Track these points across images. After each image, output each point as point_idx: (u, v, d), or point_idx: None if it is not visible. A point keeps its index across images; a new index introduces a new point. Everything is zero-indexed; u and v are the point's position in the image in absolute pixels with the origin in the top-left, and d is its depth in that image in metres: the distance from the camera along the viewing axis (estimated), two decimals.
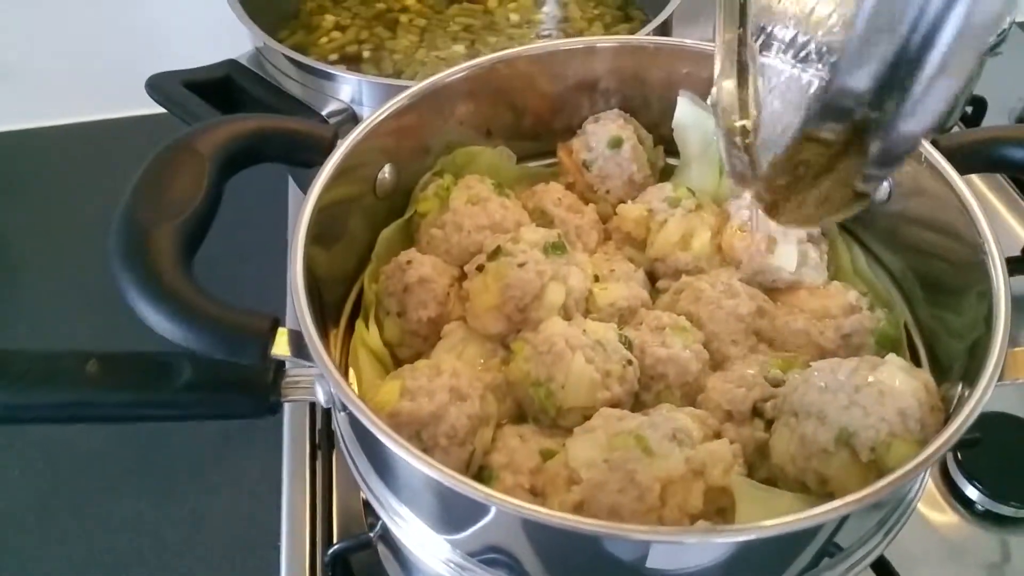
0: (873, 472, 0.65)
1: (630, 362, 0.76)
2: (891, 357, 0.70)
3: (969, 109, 1.48)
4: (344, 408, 0.66)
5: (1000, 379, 0.63)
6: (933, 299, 0.84)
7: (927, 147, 0.78)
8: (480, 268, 0.82)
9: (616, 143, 0.94)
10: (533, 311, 0.79)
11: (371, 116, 0.85)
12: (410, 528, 0.71)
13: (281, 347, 0.67)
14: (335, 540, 1.04)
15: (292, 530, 1.09)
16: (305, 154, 0.84)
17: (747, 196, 0.90)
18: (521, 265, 0.79)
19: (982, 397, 0.61)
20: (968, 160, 0.78)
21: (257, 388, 0.76)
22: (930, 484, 1.06)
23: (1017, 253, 1.30)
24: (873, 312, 0.82)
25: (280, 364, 0.75)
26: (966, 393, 0.66)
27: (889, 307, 0.85)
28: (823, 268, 0.88)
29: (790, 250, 0.85)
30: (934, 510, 1.04)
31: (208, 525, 1.18)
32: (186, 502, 1.20)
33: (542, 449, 0.72)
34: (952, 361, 0.77)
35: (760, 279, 0.87)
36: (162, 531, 1.17)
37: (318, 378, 0.71)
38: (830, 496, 0.67)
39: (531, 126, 1.01)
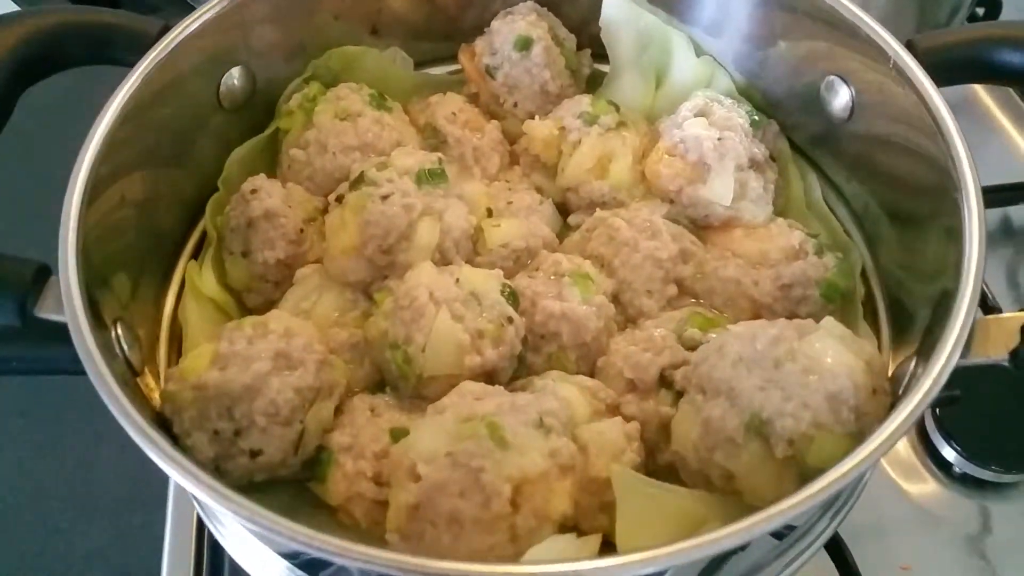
0: (791, 471, 0.51)
1: (510, 320, 0.61)
2: (827, 322, 0.55)
3: (980, 11, 1.26)
4: None
5: (964, 355, 0.49)
6: (900, 238, 0.68)
7: (897, 49, 0.61)
8: (340, 200, 0.66)
9: (524, 44, 0.76)
10: (400, 254, 0.64)
11: (202, 8, 0.68)
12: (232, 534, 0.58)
13: (51, 304, 0.53)
14: None
15: (179, 486, 0.98)
16: (121, 54, 0.67)
17: (684, 111, 0.74)
18: (385, 197, 0.64)
19: (936, 382, 0.47)
20: (951, 68, 0.61)
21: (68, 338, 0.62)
22: (904, 444, 0.93)
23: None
24: (821, 257, 0.67)
25: None
26: (919, 372, 0.51)
27: (845, 250, 0.70)
28: (766, 201, 0.72)
29: (726, 180, 0.69)
30: (908, 473, 0.91)
31: (95, 476, 1.08)
32: (73, 451, 1.09)
33: (393, 428, 0.59)
34: (918, 315, 0.63)
35: (689, 213, 0.72)
36: (45, 482, 1.07)
37: None
38: (735, 496, 0.54)
39: (434, 23, 0.84)
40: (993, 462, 0.87)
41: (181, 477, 0.45)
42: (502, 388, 0.58)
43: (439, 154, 0.70)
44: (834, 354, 0.52)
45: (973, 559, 0.84)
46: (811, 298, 0.66)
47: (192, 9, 0.97)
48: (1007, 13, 1.27)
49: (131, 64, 0.66)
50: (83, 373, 0.63)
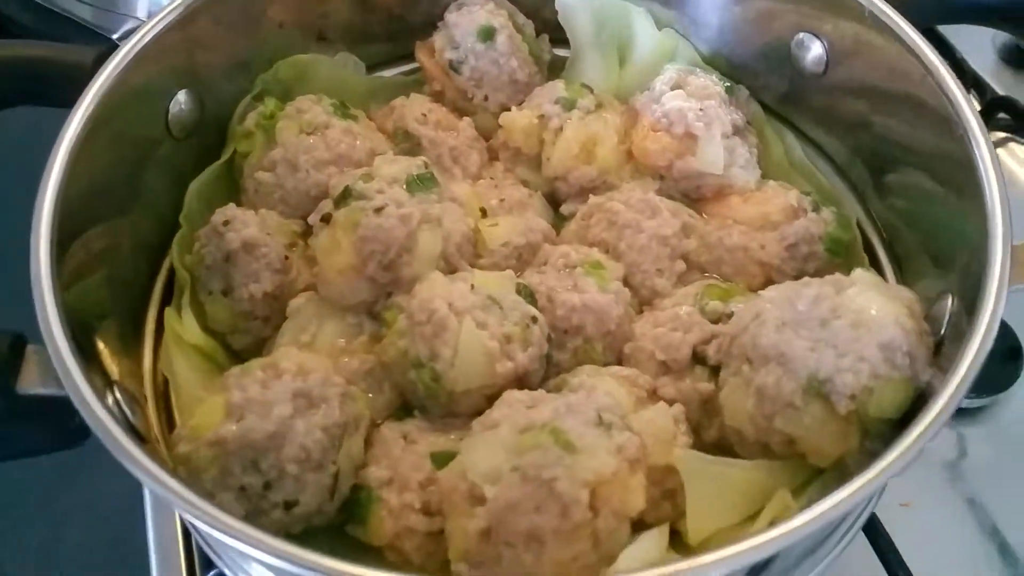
0: (853, 426, 0.50)
1: (535, 319, 0.58)
2: (859, 274, 0.55)
3: None
4: None
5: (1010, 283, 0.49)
6: (887, 184, 0.69)
7: None
8: (326, 219, 0.62)
9: (488, 34, 0.73)
10: (404, 267, 0.60)
11: (142, 29, 0.62)
12: None
13: (32, 376, 0.47)
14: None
15: (162, 555, 0.90)
16: (56, 91, 0.61)
17: (659, 85, 0.72)
18: (379, 210, 0.60)
19: (993, 316, 0.47)
20: (927, 7, 0.62)
21: (42, 414, 0.55)
22: None
23: None
24: (819, 213, 0.67)
25: None
26: (955, 308, 0.52)
27: (837, 203, 0.70)
28: (754, 165, 0.72)
29: (715, 148, 0.69)
30: None
31: (61, 559, 0.98)
32: (34, 534, 0.99)
33: (434, 452, 0.55)
34: (920, 259, 0.64)
35: (682, 187, 0.71)
36: (5, 570, 0.96)
37: None
38: (800, 458, 0.53)
39: (380, 23, 0.80)
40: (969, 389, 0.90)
41: (252, 549, 0.40)
42: (545, 392, 0.55)
43: (423, 158, 0.66)
44: (877, 304, 0.51)
45: (957, 485, 0.87)
46: (817, 254, 0.66)
47: (102, 37, 0.92)
48: None
49: (63, 101, 0.59)
50: (66, 448, 0.57)
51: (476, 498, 0.48)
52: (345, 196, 0.61)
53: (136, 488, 0.93)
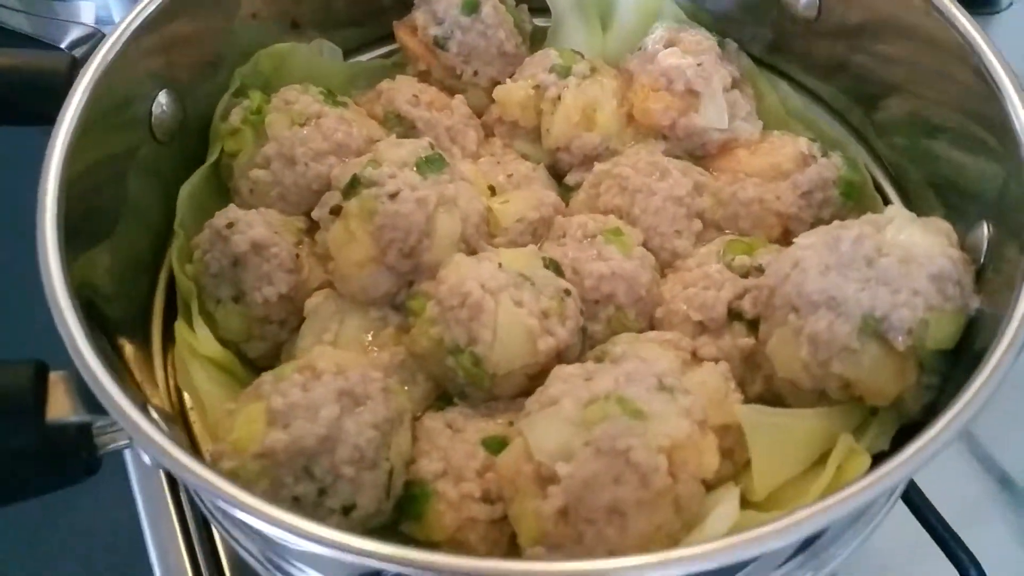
0: (910, 362, 0.50)
1: (568, 292, 0.57)
2: (895, 210, 0.55)
3: None
4: None
5: None
6: (888, 123, 0.69)
7: None
8: (336, 211, 0.59)
9: (472, 6, 0.71)
10: (424, 253, 0.58)
11: (118, 28, 0.57)
12: None
13: (60, 405, 0.43)
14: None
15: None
16: (33, 104, 0.56)
17: (651, 44, 0.71)
18: (393, 195, 0.57)
19: None
20: None
21: (59, 448, 0.51)
22: None
23: None
24: (829, 158, 0.67)
25: None
26: (992, 233, 0.52)
27: (840, 147, 0.70)
28: (755, 117, 0.71)
29: (718, 103, 0.68)
30: None
31: None
32: (23, 572, 0.95)
33: (485, 438, 0.53)
34: (930, 193, 0.64)
35: (687, 145, 0.70)
36: None
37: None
38: (858, 401, 0.52)
39: (351, 4, 0.76)
40: None
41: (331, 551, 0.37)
42: (594, 363, 0.53)
43: (428, 139, 0.63)
44: (920, 237, 0.51)
45: None
46: (832, 199, 0.66)
47: (50, 47, 0.86)
48: None
49: (41, 115, 0.55)
50: (80, 481, 0.53)
51: (546, 478, 0.46)
52: (354, 185, 0.58)
53: (129, 510, 0.88)
